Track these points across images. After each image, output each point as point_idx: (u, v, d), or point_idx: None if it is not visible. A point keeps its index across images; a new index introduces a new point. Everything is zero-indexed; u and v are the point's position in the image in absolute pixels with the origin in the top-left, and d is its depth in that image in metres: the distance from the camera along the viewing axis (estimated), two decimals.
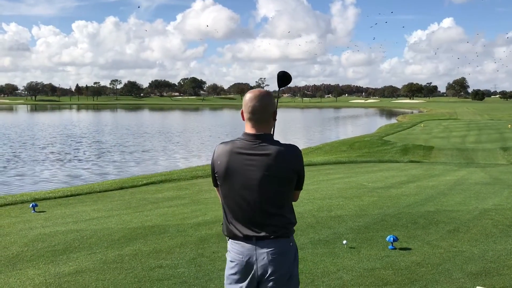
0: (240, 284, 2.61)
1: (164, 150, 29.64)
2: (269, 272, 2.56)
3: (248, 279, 2.60)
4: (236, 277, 2.62)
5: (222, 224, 2.75)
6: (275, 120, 2.71)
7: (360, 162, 17.93)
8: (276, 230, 2.58)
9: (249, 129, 2.65)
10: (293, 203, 2.72)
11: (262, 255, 2.56)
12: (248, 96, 2.66)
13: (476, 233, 6.24)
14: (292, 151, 2.62)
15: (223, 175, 2.63)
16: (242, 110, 2.69)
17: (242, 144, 2.61)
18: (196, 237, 6.16)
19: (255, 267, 2.58)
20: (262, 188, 2.57)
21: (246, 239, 2.60)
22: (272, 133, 2.74)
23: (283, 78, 3.07)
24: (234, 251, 2.63)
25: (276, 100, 2.80)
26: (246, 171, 2.57)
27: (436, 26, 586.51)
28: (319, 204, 8.09)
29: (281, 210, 2.61)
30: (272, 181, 2.56)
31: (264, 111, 2.64)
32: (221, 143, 2.70)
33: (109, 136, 38.88)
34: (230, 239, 2.68)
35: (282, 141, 2.66)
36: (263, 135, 2.62)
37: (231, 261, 2.65)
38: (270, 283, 2.57)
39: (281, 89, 3.10)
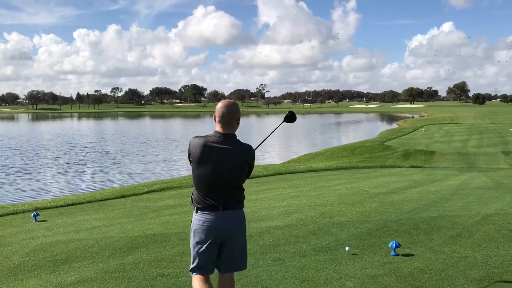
0: (206, 243, 3.49)
1: (180, 158, 29.44)
2: (233, 232, 3.55)
3: (214, 239, 3.50)
4: (203, 238, 3.50)
5: (191, 197, 3.64)
6: (239, 124, 3.61)
7: (361, 167, 17.91)
8: (236, 202, 3.58)
9: (219, 128, 3.56)
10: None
11: (227, 220, 3.52)
12: (220, 104, 3.58)
13: (479, 238, 6.22)
14: (247, 148, 3.59)
15: (197, 161, 3.53)
16: (214, 114, 3.57)
17: (213, 139, 3.53)
18: None
19: (222, 228, 3.50)
20: (226, 172, 3.50)
21: (213, 208, 3.50)
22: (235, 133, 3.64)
23: (291, 117, 4.53)
24: (203, 219, 3.51)
25: (272, 131, 4.58)
26: (215, 159, 3.49)
27: (436, 30, 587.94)
28: (321, 211, 8.07)
29: (238, 189, 3.59)
30: (232, 168, 3.51)
31: (230, 117, 3.55)
32: (195, 136, 3.60)
33: (118, 145, 38.54)
34: (198, 211, 3.55)
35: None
36: (229, 134, 3.55)
37: (199, 227, 3.51)
38: (233, 239, 3.55)
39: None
